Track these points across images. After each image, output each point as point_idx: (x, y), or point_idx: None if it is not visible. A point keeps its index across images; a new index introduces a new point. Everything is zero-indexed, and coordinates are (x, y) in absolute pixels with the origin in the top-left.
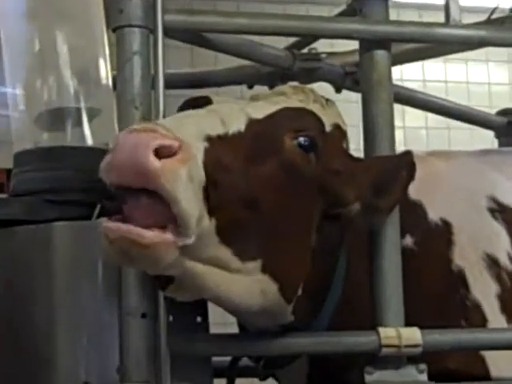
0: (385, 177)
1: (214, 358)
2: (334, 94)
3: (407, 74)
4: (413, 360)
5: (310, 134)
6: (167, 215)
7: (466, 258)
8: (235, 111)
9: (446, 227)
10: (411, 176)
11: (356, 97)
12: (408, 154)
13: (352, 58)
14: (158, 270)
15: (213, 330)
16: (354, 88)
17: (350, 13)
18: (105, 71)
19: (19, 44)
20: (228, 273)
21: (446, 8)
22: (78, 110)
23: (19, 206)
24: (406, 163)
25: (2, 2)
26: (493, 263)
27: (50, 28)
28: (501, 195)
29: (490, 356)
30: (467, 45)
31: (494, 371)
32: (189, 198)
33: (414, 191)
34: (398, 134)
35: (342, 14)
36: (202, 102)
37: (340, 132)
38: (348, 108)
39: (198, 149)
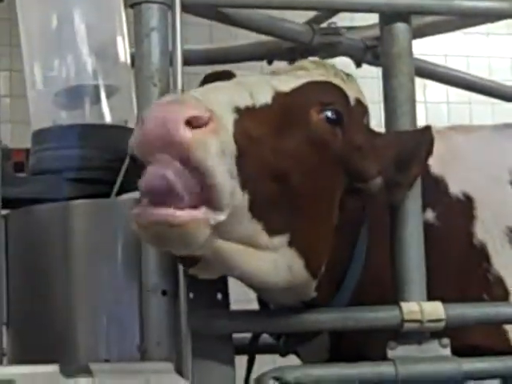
0: (405, 152)
1: (235, 335)
2: (354, 69)
3: (428, 48)
4: (436, 335)
5: (336, 108)
6: (198, 195)
7: (488, 231)
8: (262, 83)
9: (467, 201)
10: (429, 151)
11: (377, 72)
12: (428, 129)
13: (372, 32)
14: (192, 251)
15: (233, 306)
16: (374, 62)
17: None
18: (123, 48)
19: (36, 23)
20: (256, 250)
21: None
22: (97, 87)
23: (39, 184)
24: (426, 138)
25: None
26: None
27: (67, 6)
28: None
29: None
30: (488, 17)
31: None
32: (221, 169)
33: (435, 166)
34: (419, 109)
35: None
36: (225, 77)
37: (362, 107)
38: (369, 83)
39: (228, 120)
